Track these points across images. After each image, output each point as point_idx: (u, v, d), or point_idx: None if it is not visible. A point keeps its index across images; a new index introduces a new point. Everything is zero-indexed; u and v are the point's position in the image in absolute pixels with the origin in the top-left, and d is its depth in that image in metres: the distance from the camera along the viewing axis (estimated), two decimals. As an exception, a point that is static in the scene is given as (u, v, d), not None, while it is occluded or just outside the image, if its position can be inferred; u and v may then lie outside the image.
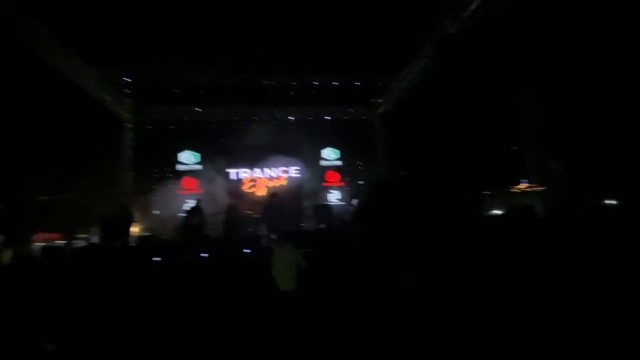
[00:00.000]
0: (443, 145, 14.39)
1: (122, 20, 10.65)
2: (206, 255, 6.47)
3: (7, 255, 7.30)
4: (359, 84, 13.84)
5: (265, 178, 14.52)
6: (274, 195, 10.30)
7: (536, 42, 8.00)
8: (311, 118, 15.62)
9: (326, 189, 14.99)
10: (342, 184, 15.32)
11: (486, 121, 14.25)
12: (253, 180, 14.45)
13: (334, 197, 14.91)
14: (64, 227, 13.05)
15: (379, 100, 15.29)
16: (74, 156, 13.75)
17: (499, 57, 8.63)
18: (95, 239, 11.92)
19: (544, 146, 7.51)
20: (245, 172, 14.52)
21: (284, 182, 14.54)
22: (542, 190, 7.06)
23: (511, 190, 8.55)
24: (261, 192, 14.21)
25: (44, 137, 13.02)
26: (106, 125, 13.98)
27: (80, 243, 11.87)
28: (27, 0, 8.41)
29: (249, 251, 7.15)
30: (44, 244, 10.86)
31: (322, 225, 10.39)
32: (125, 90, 12.94)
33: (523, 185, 10.49)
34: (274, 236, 8.99)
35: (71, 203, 14.49)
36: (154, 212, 12.98)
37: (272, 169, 14.63)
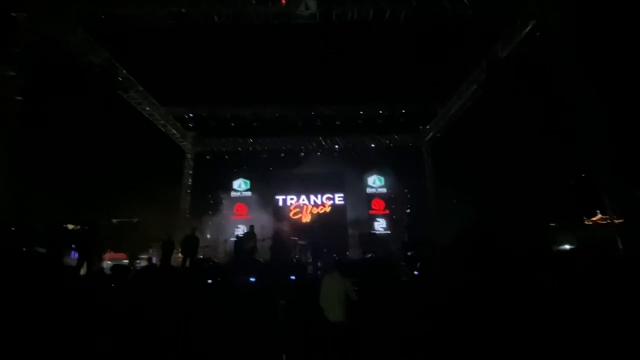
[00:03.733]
0: (498, 172, 13.52)
1: (189, 66, 12.16)
2: (253, 279, 6.64)
3: (83, 271, 8.13)
4: (404, 111, 13.80)
5: (310, 205, 14.76)
6: (316, 222, 10.37)
7: (596, 61, 7.43)
8: (357, 146, 15.80)
9: (372, 217, 14.74)
10: (387, 211, 14.97)
11: (547, 147, 13.19)
12: (298, 206, 14.76)
13: (379, 225, 14.58)
14: (130, 247, 14.35)
15: (427, 126, 15.03)
16: (142, 183, 15.37)
17: (557, 79, 8.10)
18: (155, 260, 12.92)
19: (621, 173, 6.64)
20: (292, 198, 14.94)
21: (327, 209, 14.63)
22: (619, 222, 6.17)
23: (584, 222, 7.62)
24: (306, 218, 14.43)
25: (118, 165, 14.85)
26: (171, 156, 15.57)
27: (142, 263, 12.94)
28: (115, 51, 10.05)
29: (294, 278, 7.17)
30: (112, 262, 12.03)
31: (369, 255, 10.12)
32: (189, 125, 14.39)
33: (597, 217, 9.33)
34: (319, 263, 8.97)
35: (137, 226, 15.99)
36: (208, 236, 13.75)
37: (318, 196, 14.87)
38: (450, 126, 13.72)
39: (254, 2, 8.25)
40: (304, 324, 4.25)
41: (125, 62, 10.57)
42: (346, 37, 11.71)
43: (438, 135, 14.74)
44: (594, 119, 7.02)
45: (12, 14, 7.43)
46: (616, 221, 6.07)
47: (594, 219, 9.24)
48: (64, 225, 10.08)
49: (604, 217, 8.44)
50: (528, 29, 8.42)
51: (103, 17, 8.42)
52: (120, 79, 10.19)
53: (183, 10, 8.31)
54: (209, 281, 6.30)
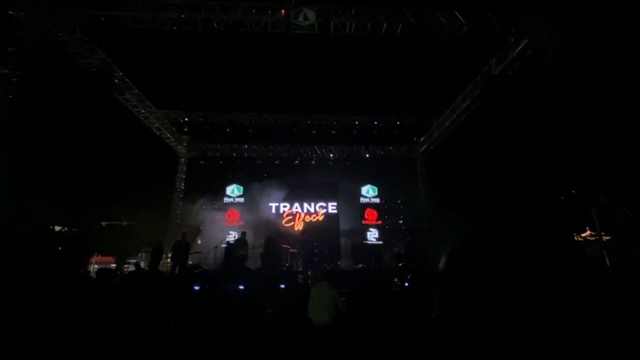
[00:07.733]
0: (489, 186, 13.67)
1: (186, 70, 12.20)
2: (242, 287, 6.55)
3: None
4: (399, 123, 13.97)
5: (303, 213, 14.71)
6: (309, 231, 10.32)
7: (590, 79, 7.63)
8: (351, 156, 15.88)
9: (365, 227, 14.73)
10: (380, 222, 14.97)
11: (539, 163, 13.41)
12: (291, 214, 14.69)
13: (372, 235, 14.56)
14: (118, 251, 14.07)
15: (422, 139, 15.19)
16: (133, 186, 15.20)
17: (551, 97, 8.30)
18: (143, 265, 12.68)
19: (610, 190, 6.75)
20: (285, 206, 14.87)
21: (320, 218, 14.59)
22: (607, 239, 6.26)
23: (574, 238, 7.66)
24: (299, 226, 14.35)
25: (110, 167, 14.69)
26: (164, 160, 15.47)
27: (130, 267, 12.68)
28: (113, 53, 10.05)
29: (284, 286, 7.08)
30: (99, 266, 11.78)
31: (360, 265, 10.07)
32: (184, 129, 14.35)
33: (586, 233, 9.44)
34: (310, 272, 8.90)
35: (126, 229, 15.74)
36: (199, 241, 13.57)
37: (311, 204, 14.83)
38: (444, 139, 13.89)
39: (253, 10, 8.36)
40: (290, 334, 4.18)
41: (122, 64, 10.57)
42: (344, 48, 11.90)
43: (432, 147, 14.90)
44: (586, 137, 7.18)
45: (10, 12, 7.40)
46: (604, 238, 6.15)
47: (583, 235, 9.34)
48: (51, 227, 9.87)
49: (592, 233, 8.53)
50: (521, 47, 8.65)
51: (102, 19, 8.43)
52: (116, 81, 10.15)
53: (183, 16, 8.38)
54: (197, 288, 6.19)
